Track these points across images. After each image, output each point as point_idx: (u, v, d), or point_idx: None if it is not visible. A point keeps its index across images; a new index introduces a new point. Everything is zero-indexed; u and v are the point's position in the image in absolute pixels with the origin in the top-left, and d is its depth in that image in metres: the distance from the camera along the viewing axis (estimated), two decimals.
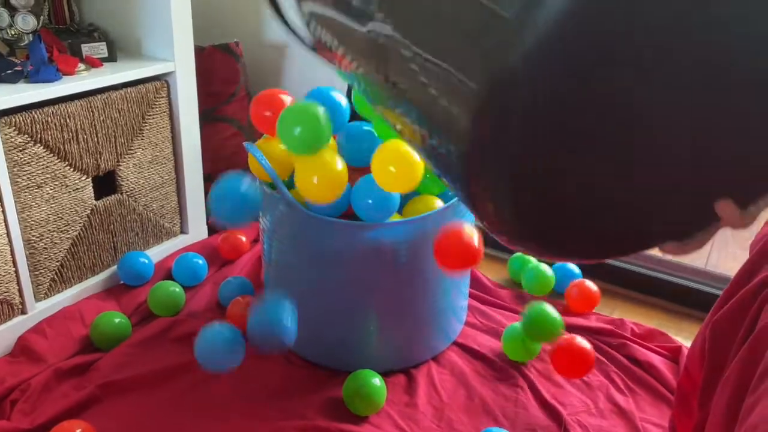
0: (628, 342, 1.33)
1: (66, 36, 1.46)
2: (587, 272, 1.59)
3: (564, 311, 1.49)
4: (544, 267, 1.58)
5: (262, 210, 1.28)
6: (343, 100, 1.24)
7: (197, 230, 1.67)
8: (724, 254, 2.21)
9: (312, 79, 1.82)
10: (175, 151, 1.56)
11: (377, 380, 1.16)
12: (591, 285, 1.50)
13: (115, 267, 1.49)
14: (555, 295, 1.57)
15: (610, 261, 1.64)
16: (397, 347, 1.26)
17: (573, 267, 1.59)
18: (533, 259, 1.64)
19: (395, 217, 1.13)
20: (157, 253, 1.57)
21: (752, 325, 0.89)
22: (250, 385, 1.22)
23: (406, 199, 1.16)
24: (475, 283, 1.54)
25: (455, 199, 1.17)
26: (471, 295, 1.47)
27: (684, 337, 1.33)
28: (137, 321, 1.39)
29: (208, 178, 1.67)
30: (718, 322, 0.98)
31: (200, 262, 1.53)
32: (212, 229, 1.72)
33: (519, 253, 1.65)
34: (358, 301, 1.19)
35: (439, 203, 1.17)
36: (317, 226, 1.12)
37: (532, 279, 1.58)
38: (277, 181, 1.12)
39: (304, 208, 1.11)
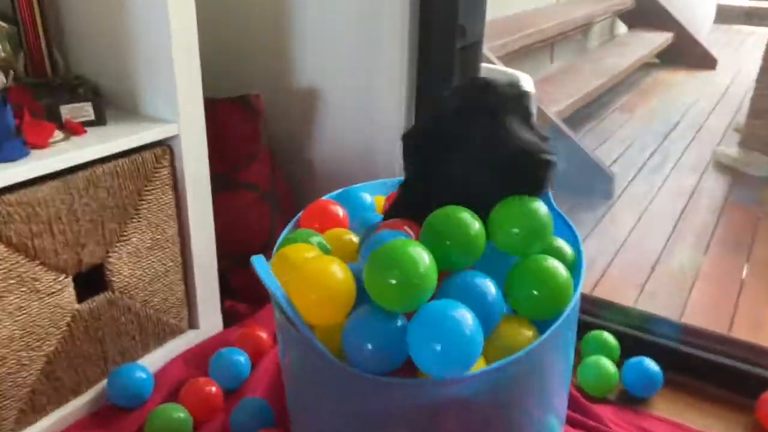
0: None
1: (44, 92, 1.17)
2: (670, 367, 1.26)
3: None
4: (605, 361, 1.24)
5: (280, 341, 0.96)
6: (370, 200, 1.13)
7: (210, 323, 1.36)
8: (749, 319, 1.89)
9: (348, 133, 1.50)
10: (181, 231, 1.25)
11: None
12: None
13: (104, 383, 1.18)
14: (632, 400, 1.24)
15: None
16: None
17: (651, 364, 1.24)
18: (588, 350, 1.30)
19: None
20: (159, 357, 1.26)
21: None
22: None
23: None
24: (569, 401, 1.19)
25: (557, 323, 0.83)
26: (567, 420, 1.12)
27: None
28: None
29: (225, 256, 1.36)
30: None
31: (242, 359, 1.25)
32: (228, 320, 1.40)
33: None
34: None
35: (531, 333, 0.83)
36: (356, 383, 0.78)
37: (590, 376, 1.24)
38: (291, 314, 0.79)
39: (337, 360, 0.77)
